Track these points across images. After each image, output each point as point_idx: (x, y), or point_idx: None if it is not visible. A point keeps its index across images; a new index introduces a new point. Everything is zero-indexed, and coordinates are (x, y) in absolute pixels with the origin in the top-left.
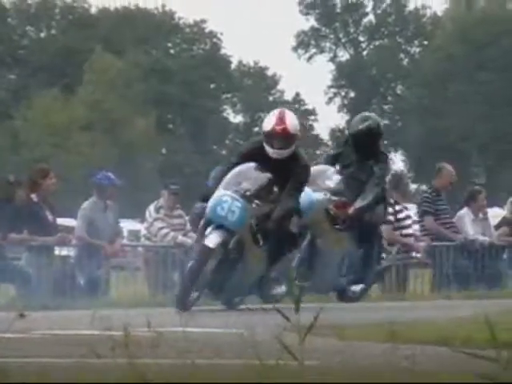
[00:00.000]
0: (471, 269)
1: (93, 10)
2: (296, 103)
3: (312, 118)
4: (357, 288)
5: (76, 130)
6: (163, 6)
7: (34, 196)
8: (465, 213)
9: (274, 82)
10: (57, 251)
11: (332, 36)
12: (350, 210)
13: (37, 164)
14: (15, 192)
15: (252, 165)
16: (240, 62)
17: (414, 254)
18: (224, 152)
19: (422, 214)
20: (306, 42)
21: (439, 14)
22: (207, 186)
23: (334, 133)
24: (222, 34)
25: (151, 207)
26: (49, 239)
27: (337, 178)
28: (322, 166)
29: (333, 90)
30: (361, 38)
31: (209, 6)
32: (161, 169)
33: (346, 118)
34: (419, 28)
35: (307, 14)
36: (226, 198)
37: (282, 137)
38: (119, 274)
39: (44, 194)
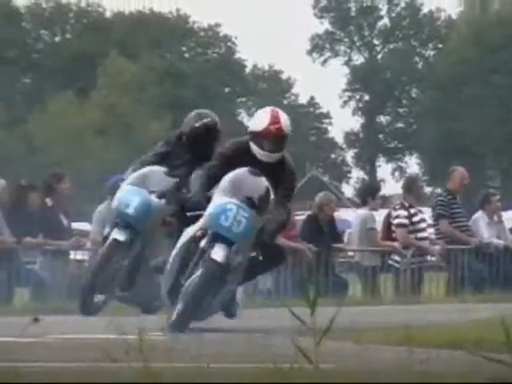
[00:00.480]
0: (486, 272)
1: (107, 14)
2: (310, 107)
3: (326, 121)
4: None
5: (90, 133)
6: (177, 9)
7: (48, 200)
8: (480, 216)
9: (288, 85)
10: (72, 255)
11: (346, 39)
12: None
13: (51, 168)
14: (27, 196)
15: (245, 169)
16: (254, 66)
17: (428, 257)
18: None
19: (437, 217)
20: (320, 46)
21: (454, 16)
22: (184, 194)
23: (349, 136)
24: (236, 37)
25: None
26: (63, 243)
27: (167, 180)
28: (152, 168)
29: (347, 93)
30: (375, 42)
31: (223, 9)
32: None
33: (361, 121)
34: (434, 31)
35: (322, 17)
36: (230, 206)
37: (276, 138)
38: None
39: (59, 198)
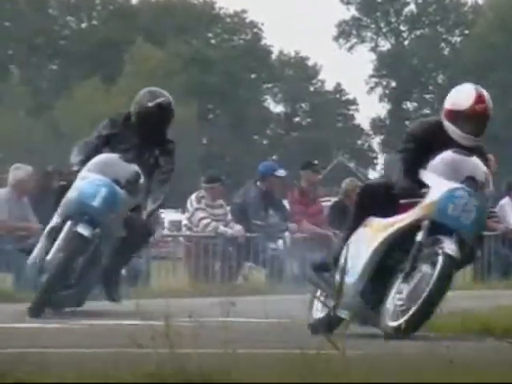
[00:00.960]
0: None
1: (133, 1)
2: (337, 93)
3: (353, 107)
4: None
5: None
6: None
7: None
8: (506, 202)
9: (314, 71)
10: None
11: (373, 26)
12: (144, 216)
13: None
14: (54, 182)
15: (453, 151)
16: (281, 52)
17: None
18: (265, 142)
19: None
20: (347, 32)
21: (480, 2)
22: None
23: (375, 123)
24: (262, 23)
25: (193, 197)
26: None
27: (128, 167)
28: (110, 155)
29: (374, 79)
30: (402, 28)
31: None
32: (201, 159)
33: (388, 107)
34: (460, 17)
35: (348, 3)
36: (460, 194)
37: (480, 119)
38: (160, 264)
39: None
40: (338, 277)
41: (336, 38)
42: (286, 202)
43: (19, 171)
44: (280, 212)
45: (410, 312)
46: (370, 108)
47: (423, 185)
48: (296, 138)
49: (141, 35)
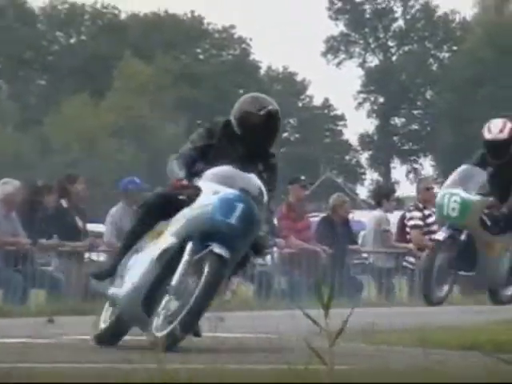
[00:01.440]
0: None
1: (122, 16)
2: (325, 108)
3: (341, 123)
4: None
5: (105, 135)
6: (192, 11)
7: (63, 201)
8: None
9: (303, 87)
10: (87, 256)
11: (361, 41)
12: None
13: (66, 170)
14: (43, 197)
15: None
16: (269, 68)
17: None
18: None
19: None
20: (335, 48)
21: (468, 18)
22: None
23: (363, 138)
24: (251, 39)
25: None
26: (78, 244)
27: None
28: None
29: (362, 95)
30: (390, 44)
31: (237, 11)
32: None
33: (376, 123)
34: (449, 33)
35: (336, 19)
36: None
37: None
38: None
39: (74, 199)
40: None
41: (324, 54)
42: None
43: (8, 186)
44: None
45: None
46: (358, 123)
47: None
48: (284, 154)
49: (129, 50)
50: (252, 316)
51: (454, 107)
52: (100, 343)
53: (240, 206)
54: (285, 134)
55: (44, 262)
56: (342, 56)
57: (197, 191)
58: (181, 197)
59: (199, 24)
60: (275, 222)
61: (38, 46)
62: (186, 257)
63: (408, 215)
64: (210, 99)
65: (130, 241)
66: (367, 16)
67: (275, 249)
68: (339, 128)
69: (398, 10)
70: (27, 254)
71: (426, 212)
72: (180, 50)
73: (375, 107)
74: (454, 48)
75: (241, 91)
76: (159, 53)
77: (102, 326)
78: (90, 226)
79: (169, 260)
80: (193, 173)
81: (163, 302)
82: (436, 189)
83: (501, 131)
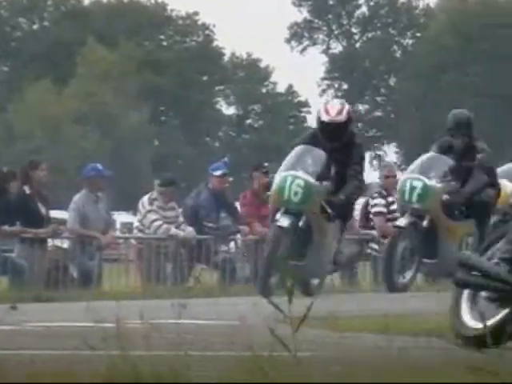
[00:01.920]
0: None
1: (85, 2)
2: (289, 95)
3: (305, 109)
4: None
5: (69, 122)
6: None
7: (26, 188)
8: None
9: (266, 73)
10: (50, 241)
11: (325, 28)
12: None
13: (30, 157)
14: (9, 184)
15: None
16: (233, 54)
17: None
18: (217, 144)
19: None
20: (299, 34)
21: (432, 5)
22: None
23: None
24: (214, 26)
25: (145, 199)
26: (41, 231)
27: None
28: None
29: (326, 81)
30: (354, 30)
31: None
32: (153, 161)
33: None
34: (412, 20)
35: (300, 5)
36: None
37: None
38: (112, 267)
39: (37, 186)
40: None
41: (288, 40)
42: (237, 204)
43: None
44: (232, 214)
45: None
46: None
47: None
48: (248, 140)
49: (92, 37)
50: (216, 303)
51: (417, 94)
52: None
53: None
54: (249, 121)
55: (7, 248)
56: (306, 42)
57: None
58: None
59: (162, 10)
60: (239, 208)
61: (0, 33)
62: None
63: (372, 202)
64: (174, 86)
65: None
66: (331, 2)
67: (239, 236)
68: (303, 115)
69: None
70: None
71: (390, 199)
72: (143, 37)
73: (339, 94)
74: (418, 35)
75: (204, 78)
76: (122, 39)
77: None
78: (54, 213)
79: None
80: None
81: None
82: (398, 176)
83: (339, 113)
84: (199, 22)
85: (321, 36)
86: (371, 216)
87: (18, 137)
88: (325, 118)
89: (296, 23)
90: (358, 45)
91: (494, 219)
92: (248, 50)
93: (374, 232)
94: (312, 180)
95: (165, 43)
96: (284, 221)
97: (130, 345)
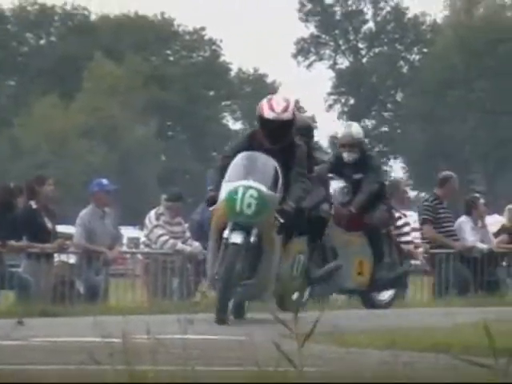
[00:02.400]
0: (471, 276)
1: (92, 17)
2: (295, 110)
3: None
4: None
5: (75, 136)
6: (162, 13)
7: (32, 203)
8: (464, 220)
9: (273, 89)
10: (56, 256)
11: (332, 43)
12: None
13: (36, 171)
14: (16, 199)
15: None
16: (239, 69)
17: (412, 261)
18: None
19: (422, 222)
20: (305, 49)
21: (439, 21)
22: None
23: (334, 140)
24: (221, 41)
25: (151, 214)
26: (47, 246)
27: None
28: None
29: (332, 97)
30: (360, 46)
31: (208, 13)
32: (160, 176)
33: None
34: (419, 35)
35: (307, 21)
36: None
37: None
38: (118, 281)
39: (43, 201)
40: None
41: (295, 56)
42: None
43: None
44: None
45: None
46: (328, 125)
47: None
48: None
49: (99, 51)
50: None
51: (423, 109)
52: None
53: None
54: None
55: (13, 263)
56: (313, 58)
57: None
58: None
59: (169, 25)
60: None
61: (7, 47)
62: None
63: None
64: (180, 101)
65: None
66: (337, 18)
67: None
68: None
69: (369, 12)
70: None
71: (396, 214)
72: (150, 52)
73: (346, 109)
74: (425, 50)
75: (211, 93)
76: (129, 54)
77: None
78: (60, 228)
79: None
80: None
81: None
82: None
83: (285, 110)
84: (206, 37)
85: (327, 51)
86: None
87: (25, 151)
88: (269, 114)
89: (303, 38)
90: (364, 60)
91: None
92: (255, 65)
93: None
94: (265, 189)
95: (171, 58)
96: (236, 237)
97: (136, 360)
